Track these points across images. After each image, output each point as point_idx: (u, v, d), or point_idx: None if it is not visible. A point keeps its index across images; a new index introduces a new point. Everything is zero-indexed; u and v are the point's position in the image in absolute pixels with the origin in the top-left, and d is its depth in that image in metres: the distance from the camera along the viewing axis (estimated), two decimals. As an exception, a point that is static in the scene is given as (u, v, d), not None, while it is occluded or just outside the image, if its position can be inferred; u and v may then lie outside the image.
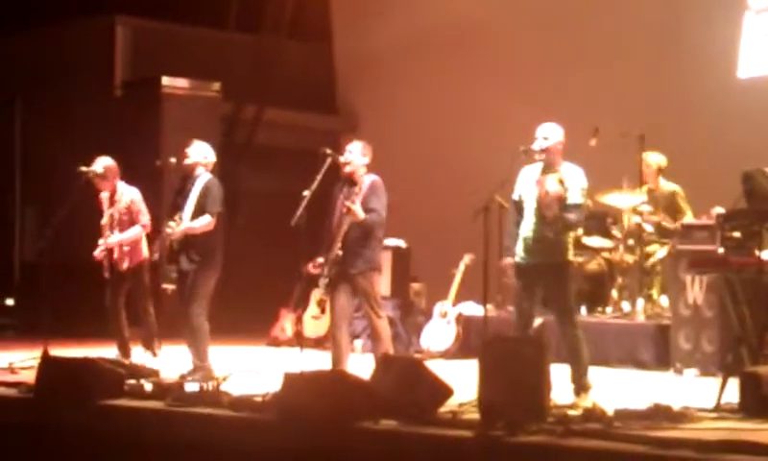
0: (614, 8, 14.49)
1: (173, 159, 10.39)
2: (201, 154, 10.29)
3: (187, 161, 10.25)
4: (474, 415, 7.47)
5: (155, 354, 10.78)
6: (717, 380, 8.56)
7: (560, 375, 8.33)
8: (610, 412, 7.52)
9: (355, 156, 9.54)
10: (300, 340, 11.36)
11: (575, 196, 8.70)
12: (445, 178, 15.29)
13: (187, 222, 10.01)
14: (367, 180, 9.46)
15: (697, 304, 10.83)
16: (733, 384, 8.09)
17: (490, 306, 10.58)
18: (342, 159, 9.55)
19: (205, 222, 10.06)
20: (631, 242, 11.98)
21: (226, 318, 11.42)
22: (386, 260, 12.70)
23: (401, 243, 13.92)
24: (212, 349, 10.15)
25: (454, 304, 12.96)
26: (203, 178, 10.21)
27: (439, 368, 8.51)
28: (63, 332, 12.61)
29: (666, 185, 12.01)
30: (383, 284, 11.87)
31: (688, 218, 11.44)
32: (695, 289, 10.83)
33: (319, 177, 9.57)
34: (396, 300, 13.54)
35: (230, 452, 7.64)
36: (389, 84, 16.56)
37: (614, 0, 14.67)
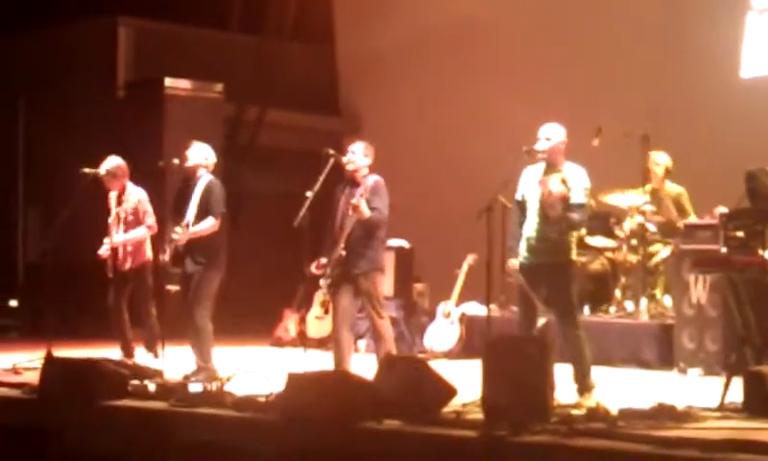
0: (617, 7, 14.47)
1: (175, 160, 10.38)
2: (201, 155, 10.29)
3: (188, 164, 10.24)
4: (478, 415, 7.48)
5: (156, 356, 10.76)
6: (721, 380, 8.58)
7: (563, 374, 8.33)
8: (613, 412, 7.52)
9: (358, 156, 9.54)
10: (303, 340, 11.38)
11: (578, 196, 8.70)
12: (448, 178, 15.29)
13: (193, 227, 10.00)
14: (369, 180, 9.46)
15: (700, 304, 10.83)
16: (737, 384, 8.09)
17: (493, 306, 10.55)
18: (344, 160, 9.55)
19: (210, 224, 10.06)
20: (634, 242, 11.97)
21: (229, 319, 11.42)
22: (389, 261, 12.71)
23: (404, 243, 13.92)
24: (216, 349, 10.16)
25: (457, 305, 12.94)
26: (204, 179, 10.20)
27: (442, 368, 8.49)
28: (67, 333, 12.62)
29: (672, 187, 11.98)
30: (386, 285, 11.86)
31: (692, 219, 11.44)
32: (698, 289, 10.82)
33: (321, 178, 9.58)
34: (400, 300, 13.54)
35: (234, 453, 7.63)
36: (391, 85, 16.56)
37: (617, 0, 14.68)
